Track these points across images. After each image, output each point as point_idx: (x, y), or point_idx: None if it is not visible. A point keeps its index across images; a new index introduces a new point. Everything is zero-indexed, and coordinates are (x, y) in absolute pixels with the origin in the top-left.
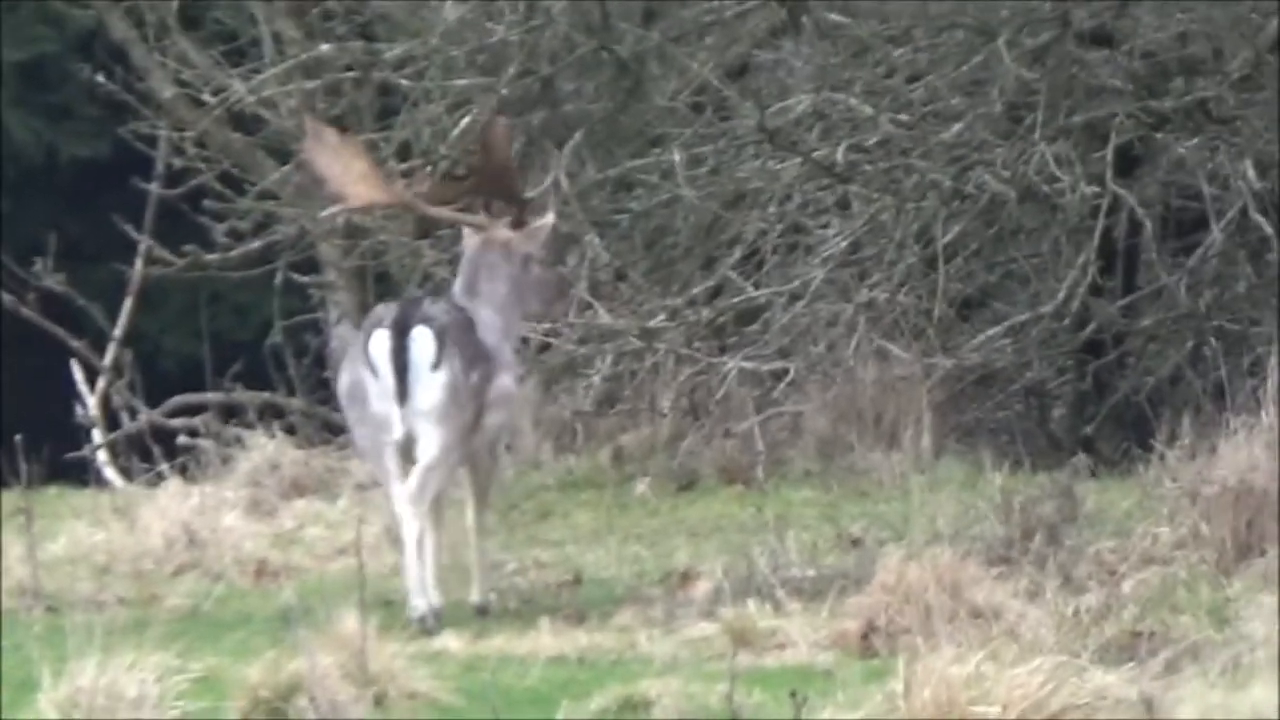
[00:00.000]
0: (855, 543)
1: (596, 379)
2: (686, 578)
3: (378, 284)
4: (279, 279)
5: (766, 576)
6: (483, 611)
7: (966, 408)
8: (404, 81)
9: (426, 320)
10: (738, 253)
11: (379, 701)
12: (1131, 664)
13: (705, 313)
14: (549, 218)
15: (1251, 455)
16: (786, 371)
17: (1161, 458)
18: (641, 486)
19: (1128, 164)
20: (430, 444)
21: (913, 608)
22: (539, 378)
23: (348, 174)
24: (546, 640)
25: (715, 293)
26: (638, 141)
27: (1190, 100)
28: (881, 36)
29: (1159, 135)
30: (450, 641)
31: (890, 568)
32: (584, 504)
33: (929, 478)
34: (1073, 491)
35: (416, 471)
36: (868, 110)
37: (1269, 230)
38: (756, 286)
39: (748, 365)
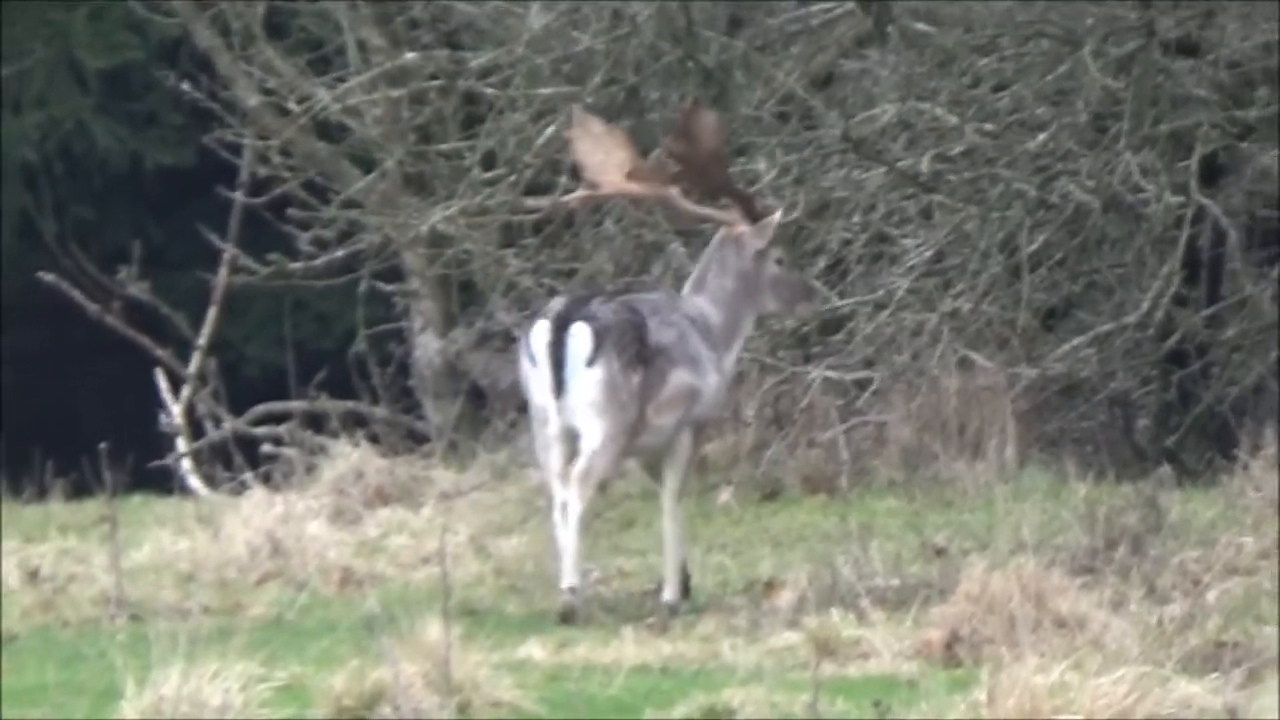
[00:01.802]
0: (939, 552)
1: None
2: (770, 587)
3: (461, 293)
4: (363, 287)
5: (850, 586)
6: (673, 612)
7: (1050, 417)
8: (489, 90)
9: (588, 318)
10: (822, 262)
11: (462, 710)
12: (1215, 674)
13: (789, 322)
14: (776, 212)
15: None
16: (870, 381)
17: (1245, 468)
18: (725, 495)
19: (1212, 173)
20: (592, 433)
21: (996, 617)
22: None
23: (608, 162)
24: (630, 649)
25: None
26: (725, 150)
27: (1275, 110)
28: (967, 45)
29: (1244, 145)
30: (534, 650)
31: (974, 577)
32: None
33: (1013, 487)
34: (1157, 501)
35: (583, 455)
36: (953, 119)
37: None
38: (841, 296)
39: (832, 374)
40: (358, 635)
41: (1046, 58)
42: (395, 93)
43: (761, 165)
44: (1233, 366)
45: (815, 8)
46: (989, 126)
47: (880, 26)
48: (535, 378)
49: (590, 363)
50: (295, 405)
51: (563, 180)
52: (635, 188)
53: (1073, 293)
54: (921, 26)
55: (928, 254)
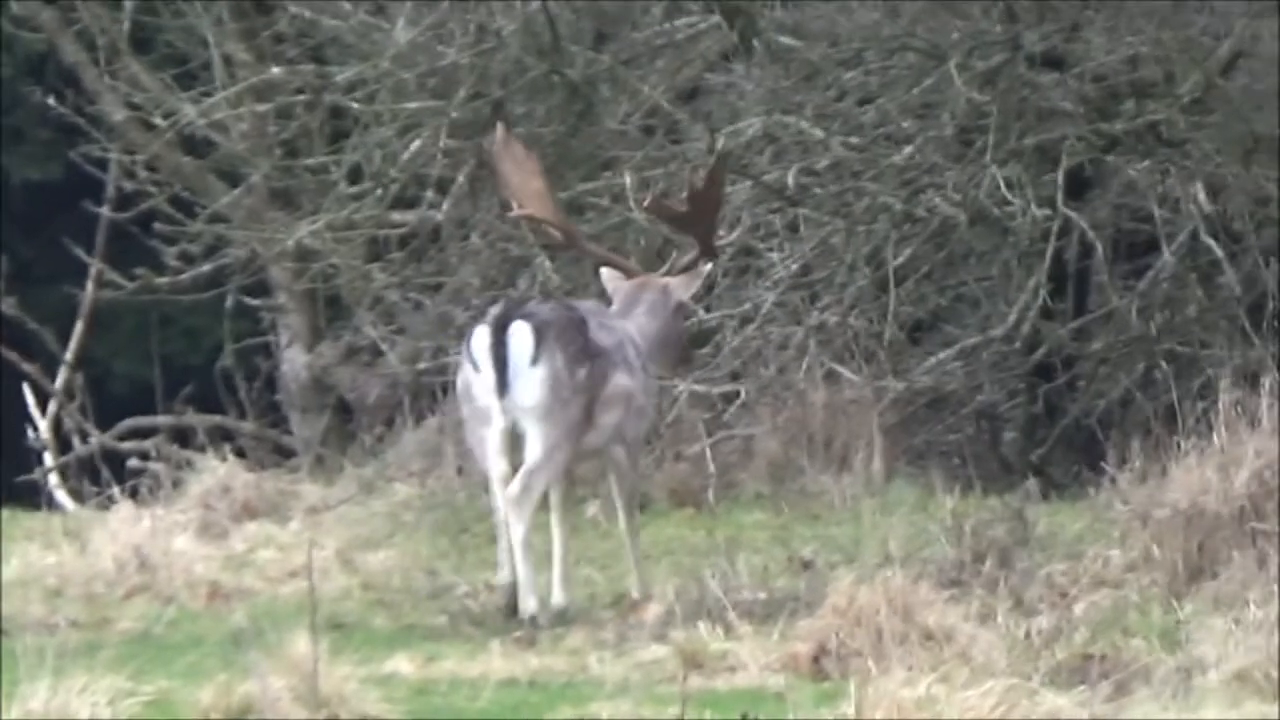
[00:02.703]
0: (806, 565)
1: None
2: (638, 601)
3: (328, 307)
4: (229, 302)
5: (718, 599)
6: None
7: (917, 430)
8: (355, 104)
9: (526, 316)
10: None
11: None
12: (1083, 686)
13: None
14: (707, 268)
15: (1202, 478)
16: (737, 394)
17: (1112, 481)
18: (593, 509)
19: (1079, 187)
20: (535, 443)
21: (864, 630)
22: None
23: (525, 188)
24: (497, 663)
25: None
26: (589, 164)
27: (1141, 123)
28: (832, 60)
29: (1110, 158)
30: (401, 664)
31: (841, 590)
32: (535, 528)
33: (880, 501)
34: (1024, 514)
35: (520, 474)
36: (818, 133)
37: (1219, 253)
38: (708, 310)
39: (699, 388)
40: (225, 649)
41: (912, 71)
42: (261, 107)
43: (627, 179)
44: (1099, 379)
45: (680, 22)
46: (854, 140)
47: (745, 40)
48: (478, 382)
49: (534, 361)
50: (162, 420)
51: (428, 194)
52: (548, 218)
53: (939, 306)
54: (787, 40)
55: (794, 267)
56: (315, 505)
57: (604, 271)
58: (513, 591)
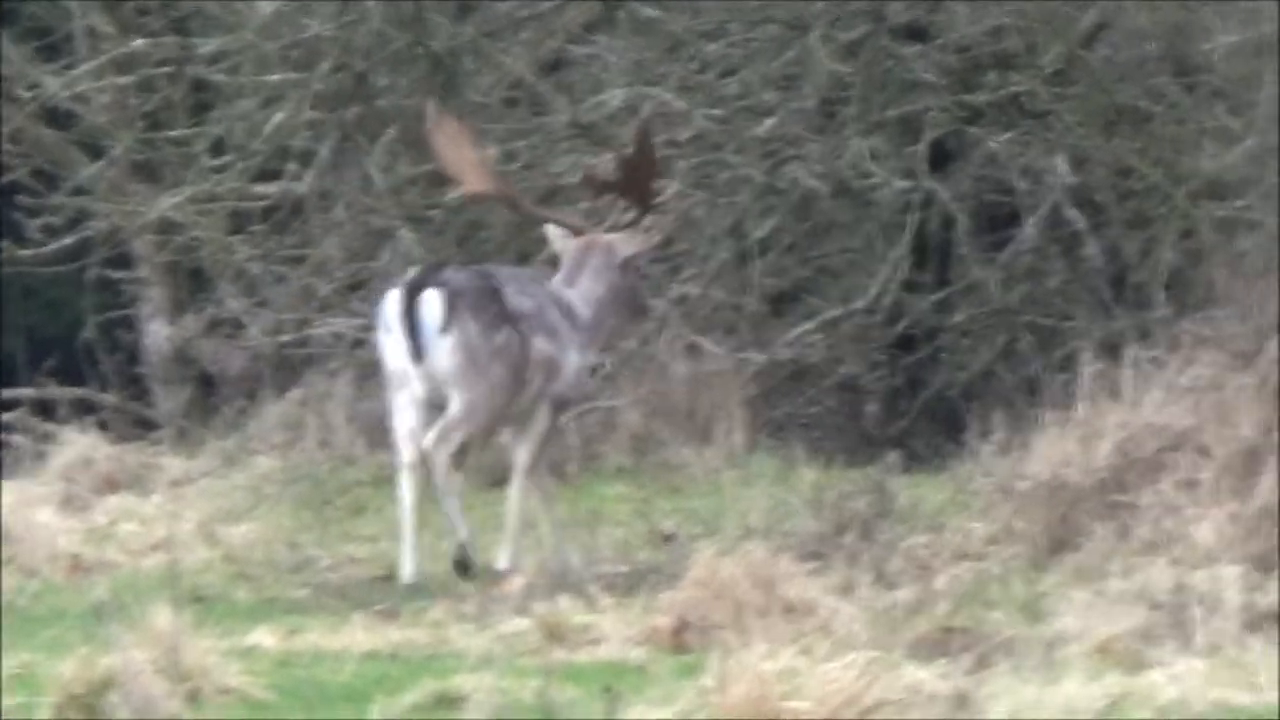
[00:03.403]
0: (668, 538)
1: None
2: (500, 573)
3: (190, 280)
4: (92, 274)
5: (579, 572)
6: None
7: (779, 403)
8: (218, 76)
9: (439, 283)
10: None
11: (192, 698)
12: (944, 659)
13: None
14: (659, 225)
15: (1064, 450)
16: (600, 366)
17: (974, 453)
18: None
19: (941, 158)
20: (454, 403)
21: (725, 603)
22: (352, 373)
23: (461, 161)
24: (360, 636)
25: None
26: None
27: (1004, 95)
28: (695, 31)
29: (972, 130)
30: (264, 637)
31: (703, 563)
32: (398, 500)
33: (741, 473)
34: (885, 487)
35: (437, 425)
36: (681, 105)
37: (1081, 225)
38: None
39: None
40: (87, 622)
41: (775, 43)
42: (124, 80)
43: (490, 151)
44: (961, 351)
45: None
46: (717, 112)
47: (609, 12)
48: (390, 345)
49: (445, 328)
50: (24, 392)
51: (291, 167)
52: (487, 187)
53: (801, 278)
54: (650, 11)
55: (657, 239)
56: (177, 478)
57: (550, 230)
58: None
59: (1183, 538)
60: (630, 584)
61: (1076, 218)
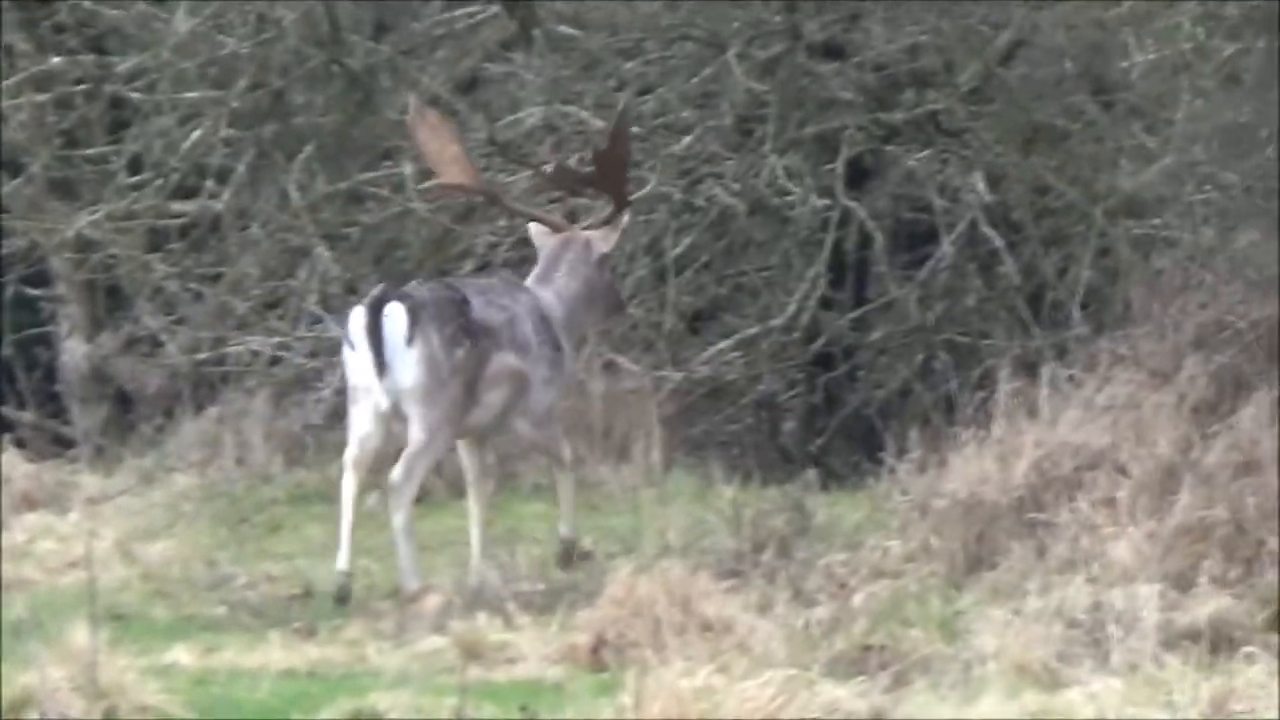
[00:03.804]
0: (585, 556)
1: (327, 393)
2: (417, 591)
3: (108, 297)
4: (9, 292)
5: (497, 590)
6: (478, 594)
7: (696, 421)
8: (135, 94)
9: (402, 297)
10: (469, 266)
11: (109, 715)
12: (862, 677)
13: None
14: (625, 220)
15: (981, 468)
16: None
17: (891, 471)
18: (372, 500)
19: (858, 176)
20: (415, 427)
21: (643, 621)
22: (269, 391)
23: (443, 154)
24: (277, 654)
25: None
26: (369, 154)
27: (921, 112)
28: (612, 49)
29: (889, 147)
30: (181, 655)
31: (620, 581)
32: (315, 517)
33: (659, 491)
34: (803, 505)
35: (402, 459)
36: (598, 123)
37: (998, 243)
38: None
39: None
40: (4, 640)
41: (691, 61)
42: (41, 97)
43: (407, 169)
44: (879, 369)
45: (460, 12)
46: (633, 130)
47: (525, 30)
48: (354, 361)
49: (409, 341)
50: None
51: (208, 184)
52: (468, 181)
53: (719, 296)
54: (566, 30)
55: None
56: (95, 496)
57: (532, 228)
58: (346, 580)
59: (1100, 556)
60: (548, 602)
61: (994, 236)
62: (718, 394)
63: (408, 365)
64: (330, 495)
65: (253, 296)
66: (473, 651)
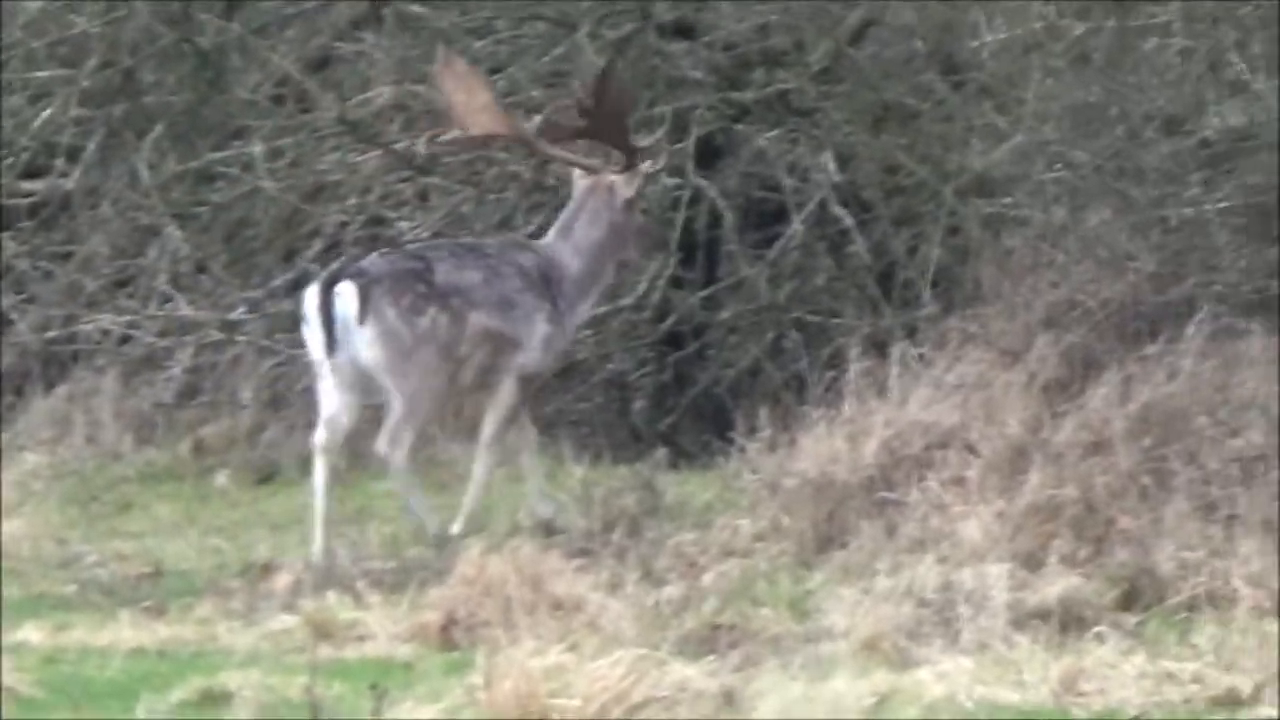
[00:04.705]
0: (436, 535)
1: (177, 371)
2: (267, 570)
3: None
4: None
5: (347, 569)
6: (440, 543)
7: (547, 400)
8: None
9: (354, 274)
10: (318, 245)
11: None
12: (712, 656)
13: (286, 305)
14: (648, 164)
15: (831, 447)
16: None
17: (741, 450)
18: (222, 478)
19: (709, 155)
20: (392, 399)
21: (493, 600)
22: (120, 370)
23: (472, 103)
24: (127, 632)
25: (296, 285)
26: (219, 134)
27: (771, 92)
28: (462, 28)
29: (739, 127)
30: (31, 633)
31: (471, 560)
32: (164, 496)
33: (509, 470)
34: (653, 484)
35: (384, 429)
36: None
37: (848, 222)
38: None
39: None
40: None
41: (542, 40)
42: None
43: (257, 149)
44: (729, 348)
45: None
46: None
47: (376, 9)
48: (309, 336)
49: (361, 319)
50: None
51: (58, 163)
52: (500, 128)
53: None
54: (417, 8)
55: (424, 236)
56: None
57: (575, 174)
58: (324, 566)
59: (950, 535)
60: (398, 581)
61: (844, 215)
62: (568, 373)
63: (364, 343)
64: (180, 474)
65: (103, 275)
66: (323, 630)
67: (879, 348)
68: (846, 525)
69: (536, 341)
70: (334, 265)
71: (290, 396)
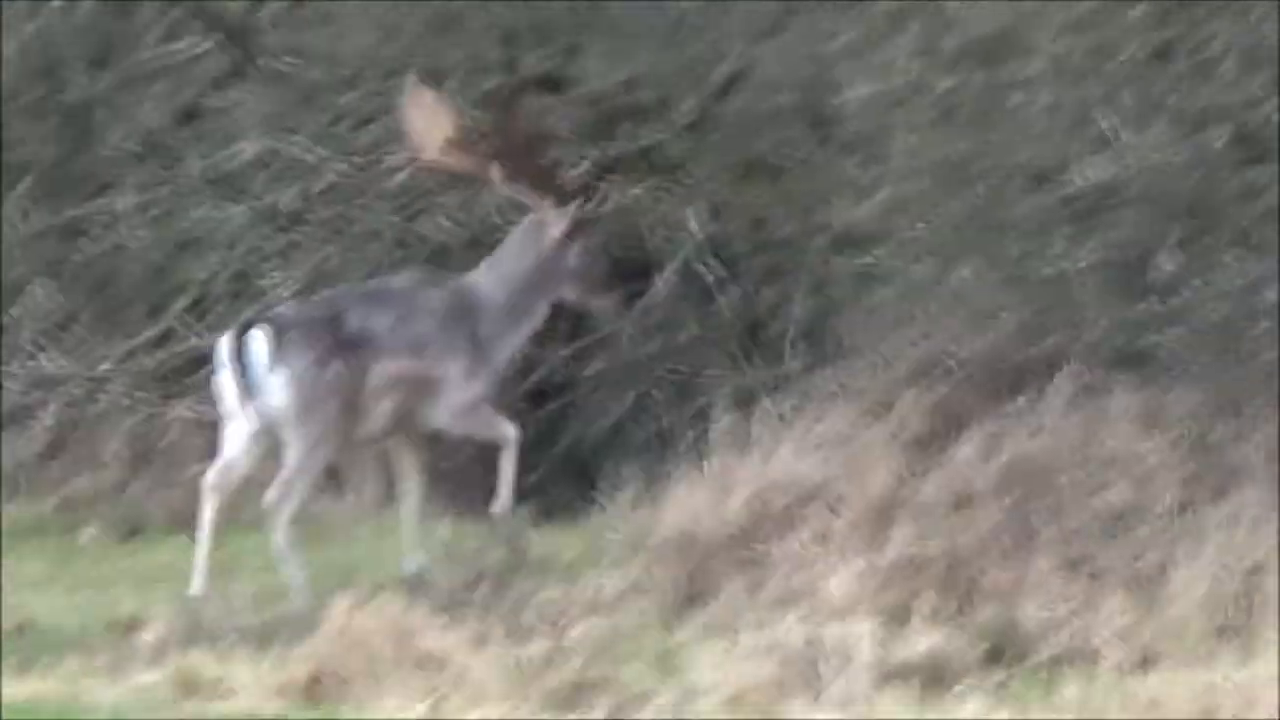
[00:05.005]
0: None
1: (42, 426)
2: (133, 625)
3: None
4: None
5: (214, 624)
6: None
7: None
8: None
9: (267, 320)
10: (184, 300)
11: None
12: (578, 713)
13: (152, 359)
14: (578, 203)
15: (697, 503)
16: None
17: (607, 506)
18: (89, 534)
19: None
20: (290, 449)
21: (360, 655)
22: None
23: (434, 131)
24: None
25: (163, 339)
26: (86, 187)
27: (638, 146)
28: (330, 81)
29: (607, 181)
30: None
31: (338, 615)
32: (31, 552)
33: (377, 525)
34: (519, 539)
35: (276, 481)
36: (315, 156)
37: (715, 277)
38: (204, 333)
39: (192, 413)
40: None
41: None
42: None
43: (124, 202)
44: (594, 404)
45: (179, 44)
46: (351, 162)
47: (244, 62)
48: (222, 382)
49: (272, 366)
50: None
51: None
52: (456, 159)
53: None
54: (285, 62)
55: (290, 291)
56: None
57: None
58: (198, 605)
59: (815, 591)
60: (266, 635)
61: (710, 269)
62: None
63: (274, 389)
64: (46, 529)
65: None
66: (189, 686)
67: (745, 403)
68: (712, 581)
69: (456, 376)
70: (248, 313)
71: (156, 451)
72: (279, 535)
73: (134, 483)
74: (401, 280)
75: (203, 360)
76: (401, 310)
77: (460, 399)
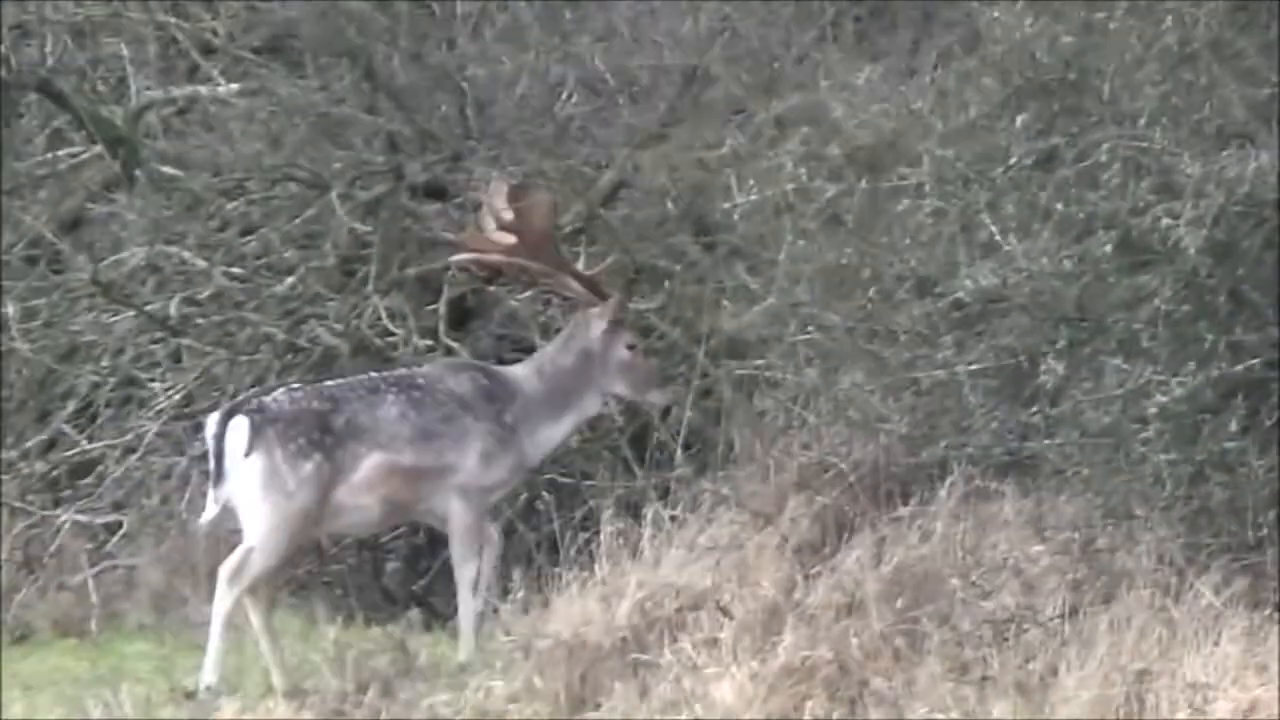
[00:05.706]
0: (190, 696)
1: None
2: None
3: None
4: None
5: None
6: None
7: (300, 560)
8: None
9: (250, 410)
10: (71, 406)
11: None
12: None
13: (39, 465)
14: (611, 297)
15: (585, 608)
16: (120, 524)
17: (495, 611)
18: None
19: (461, 317)
20: (251, 526)
21: None
22: None
23: (530, 231)
24: None
25: (49, 446)
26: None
27: None
28: (215, 189)
29: (491, 288)
30: None
31: None
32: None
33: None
34: (406, 645)
35: (236, 555)
36: (201, 263)
37: None
38: (90, 440)
39: (82, 518)
40: None
41: (295, 201)
42: None
43: (10, 309)
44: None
45: (63, 152)
46: (237, 270)
47: (128, 170)
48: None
49: (247, 453)
50: None
51: None
52: (527, 258)
53: None
54: (169, 170)
55: (177, 397)
56: None
57: None
58: (213, 698)
59: (703, 697)
60: None
61: None
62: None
63: (244, 475)
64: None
65: None
66: None
67: (632, 509)
68: (600, 687)
69: (473, 460)
70: (240, 397)
71: (44, 558)
72: (218, 616)
73: (22, 589)
74: (423, 371)
75: (90, 465)
76: (412, 401)
77: (474, 481)
